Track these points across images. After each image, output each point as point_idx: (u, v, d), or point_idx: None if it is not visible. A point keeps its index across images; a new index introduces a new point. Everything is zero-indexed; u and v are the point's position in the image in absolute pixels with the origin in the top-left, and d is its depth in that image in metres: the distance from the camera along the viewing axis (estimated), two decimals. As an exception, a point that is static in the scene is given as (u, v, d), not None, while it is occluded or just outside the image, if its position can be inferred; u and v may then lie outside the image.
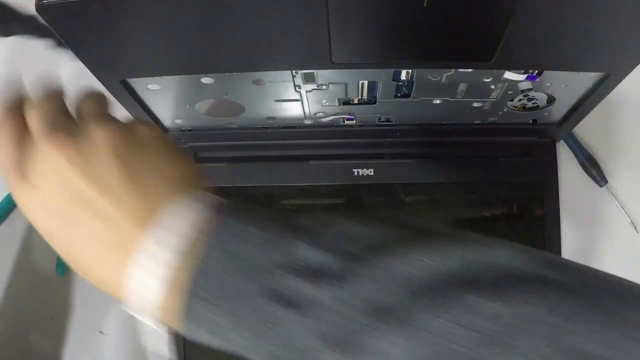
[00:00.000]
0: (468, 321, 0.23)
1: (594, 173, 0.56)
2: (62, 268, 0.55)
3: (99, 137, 0.26)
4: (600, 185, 0.56)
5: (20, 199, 0.27)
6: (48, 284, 0.55)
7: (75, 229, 0.26)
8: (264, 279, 0.24)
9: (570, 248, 0.55)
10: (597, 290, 0.25)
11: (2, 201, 0.56)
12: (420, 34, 0.36)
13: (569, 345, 0.22)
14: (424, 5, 0.33)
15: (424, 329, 0.23)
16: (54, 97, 0.29)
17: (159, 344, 0.31)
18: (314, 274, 0.24)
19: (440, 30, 0.35)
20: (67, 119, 0.28)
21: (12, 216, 0.57)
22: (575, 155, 0.57)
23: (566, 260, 0.27)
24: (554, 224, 0.53)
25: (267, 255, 0.24)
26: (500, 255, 0.25)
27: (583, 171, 0.57)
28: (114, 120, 0.28)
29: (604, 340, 0.22)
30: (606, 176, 0.56)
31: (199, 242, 0.24)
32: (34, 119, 0.27)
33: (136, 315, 0.26)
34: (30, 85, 0.29)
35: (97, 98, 0.30)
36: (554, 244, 0.53)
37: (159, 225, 0.25)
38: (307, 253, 0.24)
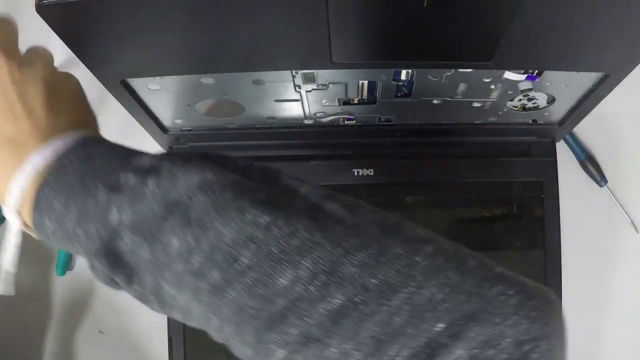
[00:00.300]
0: (255, 236, 0.26)
1: (594, 173, 0.56)
2: (62, 268, 0.55)
3: (39, 71, 0.33)
4: (600, 185, 0.56)
5: None
6: (48, 284, 0.55)
7: None
8: (105, 176, 0.29)
9: (570, 248, 0.55)
10: (377, 228, 0.28)
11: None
12: (420, 34, 0.36)
13: (349, 275, 0.25)
14: (424, 5, 0.33)
15: (210, 230, 0.26)
16: (14, 30, 0.35)
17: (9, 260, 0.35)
18: (143, 170, 0.29)
19: (440, 31, 0.35)
20: (20, 53, 0.34)
21: None
22: (575, 155, 0.57)
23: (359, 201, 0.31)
24: (554, 224, 0.53)
25: (111, 163, 0.30)
26: (297, 184, 0.31)
27: (583, 171, 0.57)
28: (53, 67, 0.35)
29: (375, 273, 0.25)
30: (606, 176, 0.56)
31: (64, 152, 0.30)
32: None
33: (9, 217, 0.32)
34: None
35: (45, 51, 0.36)
36: (554, 243, 0.53)
37: (52, 142, 0.31)
38: (143, 159, 0.29)
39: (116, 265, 0.28)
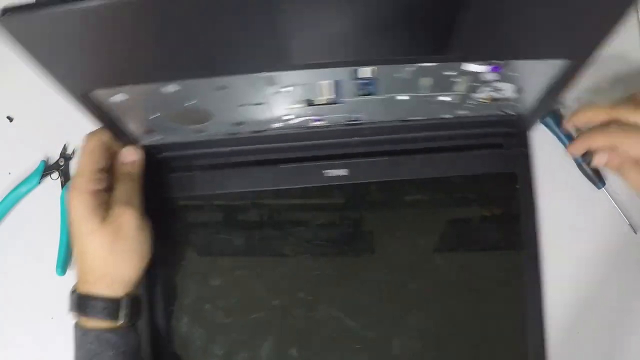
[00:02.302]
0: None
1: (592, 175, 0.55)
2: (62, 268, 0.54)
3: None
4: (598, 187, 0.55)
5: None
6: (48, 284, 0.55)
7: None
8: None
9: (569, 251, 0.54)
10: None
11: (1, 201, 0.56)
12: (374, 30, 0.36)
13: None
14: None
15: None
16: None
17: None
18: None
19: (393, 25, 0.35)
20: None
21: (12, 215, 0.57)
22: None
23: None
24: (530, 215, 0.53)
25: None
26: None
27: (581, 173, 0.56)
28: None
29: None
30: (604, 178, 0.55)
31: None
32: None
33: None
34: None
35: None
36: (530, 234, 0.52)
37: None
38: None
39: None
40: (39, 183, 0.56)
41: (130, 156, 0.50)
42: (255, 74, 0.40)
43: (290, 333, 0.51)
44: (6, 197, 0.56)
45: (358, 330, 0.52)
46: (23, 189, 0.56)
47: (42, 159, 0.57)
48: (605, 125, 0.47)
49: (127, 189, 0.48)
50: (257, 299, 0.52)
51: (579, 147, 0.50)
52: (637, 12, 0.58)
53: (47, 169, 0.56)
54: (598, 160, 0.49)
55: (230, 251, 0.53)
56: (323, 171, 0.53)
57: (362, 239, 0.53)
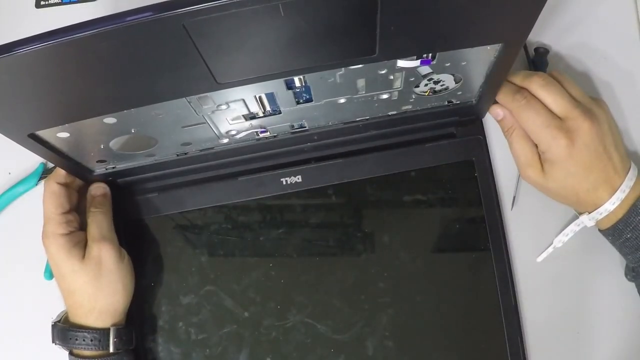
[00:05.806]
0: None
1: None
2: (51, 273, 0.55)
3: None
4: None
5: None
6: (46, 284, 0.56)
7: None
8: None
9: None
10: None
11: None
12: (292, 43, 0.36)
13: None
14: (282, 15, 0.33)
15: None
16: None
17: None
18: None
19: (309, 35, 0.35)
20: None
21: (10, 215, 0.58)
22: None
23: None
24: (491, 201, 0.52)
25: None
26: None
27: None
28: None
29: None
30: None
31: None
32: None
33: (583, 223, 0.49)
34: None
35: None
36: (492, 219, 0.52)
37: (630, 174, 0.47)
38: None
39: None
40: (36, 185, 0.58)
41: (100, 190, 0.52)
42: (187, 97, 0.41)
43: (264, 343, 0.52)
44: (3, 194, 0.58)
45: (330, 334, 0.52)
46: (20, 188, 0.58)
47: (42, 161, 0.58)
48: (518, 93, 0.49)
49: (99, 224, 0.50)
50: (229, 313, 0.52)
51: (492, 110, 0.51)
52: (637, 12, 0.57)
53: (45, 172, 0.58)
54: (493, 113, 0.51)
55: (197, 268, 0.54)
56: (281, 179, 0.53)
57: (326, 244, 0.53)
